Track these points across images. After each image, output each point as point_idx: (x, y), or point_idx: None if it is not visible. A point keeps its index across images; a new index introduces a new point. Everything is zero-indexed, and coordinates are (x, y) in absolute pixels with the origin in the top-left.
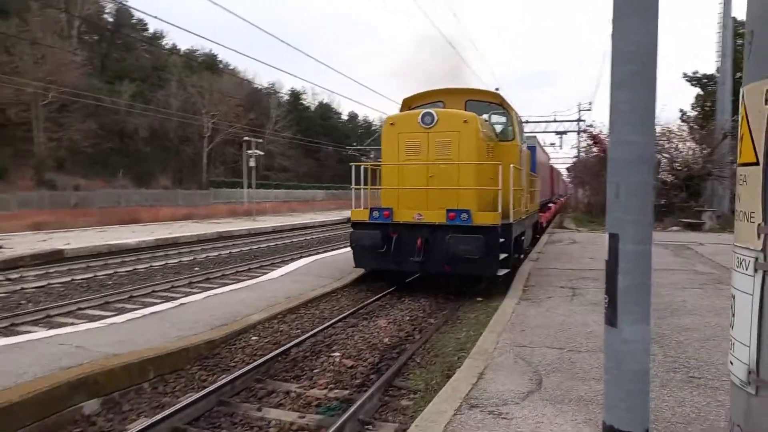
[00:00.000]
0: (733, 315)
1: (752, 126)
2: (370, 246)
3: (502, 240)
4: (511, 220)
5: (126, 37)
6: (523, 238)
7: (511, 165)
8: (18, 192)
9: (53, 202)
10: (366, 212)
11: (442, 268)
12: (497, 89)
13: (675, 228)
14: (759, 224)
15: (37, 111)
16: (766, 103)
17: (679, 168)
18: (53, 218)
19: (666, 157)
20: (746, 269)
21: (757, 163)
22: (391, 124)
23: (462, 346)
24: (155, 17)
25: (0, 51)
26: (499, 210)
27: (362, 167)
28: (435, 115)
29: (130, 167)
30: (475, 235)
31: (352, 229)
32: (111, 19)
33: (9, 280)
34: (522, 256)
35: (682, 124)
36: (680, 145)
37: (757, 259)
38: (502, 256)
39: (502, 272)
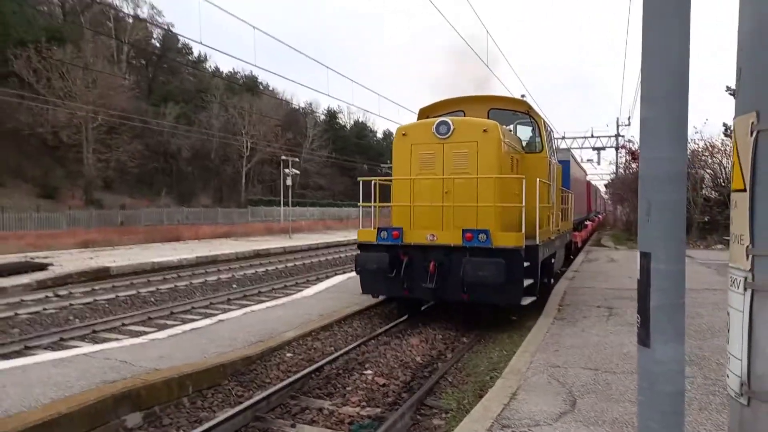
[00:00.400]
0: (728, 331)
1: (741, 155)
2: (377, 270)
3: (526, 264)
4: (537, 242)
5: (171, 61)
6: (553, 260)
7: (537, 179)
8: (68, 211)
9: (101, 221)
10: (373, 233)
11: (459, 295)
12: (523, 96)
13: (719, 246)
14: (747, 246)
15: (88, 133)
16: (750, 135)
17: (724, 184)
18: (101, 236)
19: (709, 173)
20: (738, 288)
21: (744, 190)
22: (403, 134)
23: (495, 365)
24: (200, 43)
25: (56, 76)
26: (523, 230)
27: (372, 182)
28: (451, 123)
29: (173, 186)
30: (495, 258)
31: (358, 251)
32: (158, 44)
33: (58, 296)
34: (552, 281)
35: (726, 138)
36: (724, 161)
37: (746, 278)
38: (527, 282)
39: (526, 301)
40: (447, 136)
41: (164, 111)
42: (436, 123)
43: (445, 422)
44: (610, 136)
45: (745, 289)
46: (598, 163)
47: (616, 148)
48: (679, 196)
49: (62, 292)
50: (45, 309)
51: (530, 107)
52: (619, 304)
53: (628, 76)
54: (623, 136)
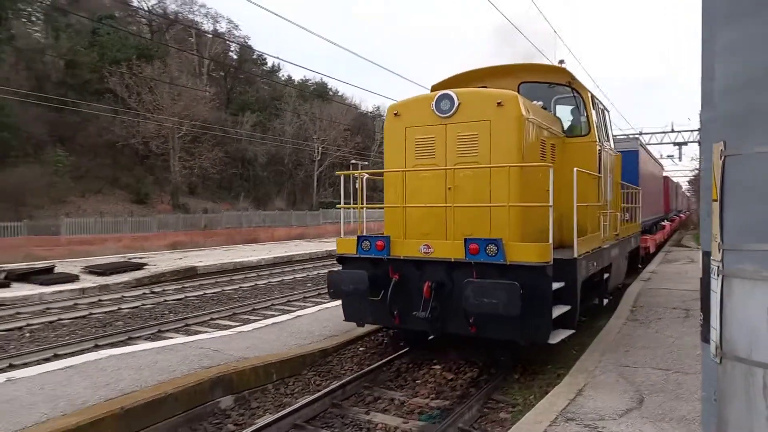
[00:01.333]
0: (710, 309)
1: (715, 174)
2: (354, 292)
3: (558, 285)
4: (575, 254)
5: (247, 72)
6: (607, 275)
7: (575, 169)
8: (157, 215)
9: (187, 224)
10: (354, 242)
11: (465, 328)
12: (562, 62)
13: None
14: (719, 243)
15: (174, 143)
16: (719, 159)
17: None
18: (187, 238)
19: None
20: (714, 275)
21: (717, 200)
22: (395, 114)
23: (563, 364)
24: (276, 57)
25: (145, 91)
26: (550, 239)
27: (361, 176)
28: (455, 98)
29: (250, 191)
30: (507, 280)
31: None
32: (235, 57)
33: (154, 293)
34: (605, 302)
35: None
36: None
37: (718, 267)
38: (560, 310)
39: (558, 338)
40: (450, 114)
41: (242, 120)
42: (436, 98)
43: (511, 416)
44: (692, 131)
45: (718, 275)
46: (680, 158)
47: (700, 143)
48: None
49: (157, 289)
50: (143, 304)
51: (572, 77)
52: (697, 306)
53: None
54: None
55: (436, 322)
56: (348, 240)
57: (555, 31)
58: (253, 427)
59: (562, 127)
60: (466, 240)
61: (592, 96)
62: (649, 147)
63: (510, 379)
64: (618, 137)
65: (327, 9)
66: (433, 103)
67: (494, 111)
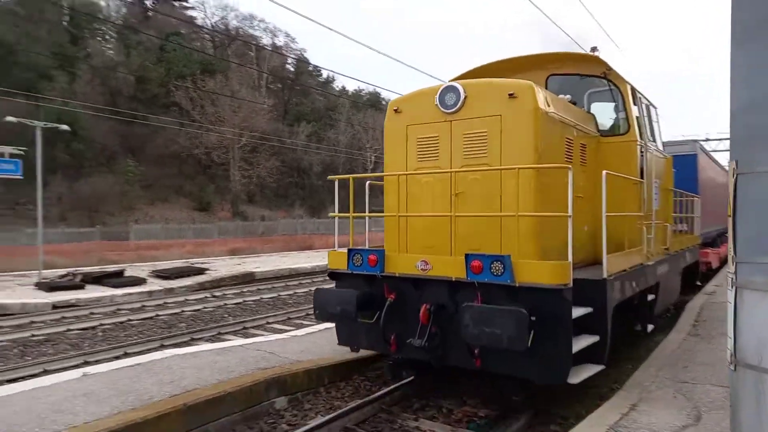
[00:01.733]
0: (727, 319)
1: (729, 190)
2: (341, 315)
3: (580, 311)
4: (605, 274)
5: (303, 84)
6: (651, 297)
7: (604, 172)
8: (218, 222)
9: (245, 231)
10: (345, 256)
11: (469, 360)
12: (594, 50)
13: None
14: (732, 255)
15: (234, 153)
16: (732, 176)
17: None
18: (245, 245)
19: None
20: (730, 286)
21: (731, 216)
22: (395, 110)
23: (617, 378)
24: (331, 71)
25: (208, 104)
26: (569, 257)
27: (366, 182)
28: (461, 90)
29: (305, 199)
30: (513, 306)
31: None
32: (292, 69)
33: (214, 297)
34: (650, 328)
35: None
36: None
37: (732, 279)
38: (585, 342)
39: (581, 376)
40: (456, 109)
41: (297, 130)
42: (440, 91)
43: (561, 428)
44: None
45: (732, 287)
46: None
47: None
48: None
49: (217, 293)
50: (205, 307)
51: (609, 67)
52: None
53: None
54: None
55: (435, 351)
56: (340, 253)
57: (603, 29)
58: (305, 428)
59: (597, 124)
60: (467, 256)
61: (633, 89)
62: (715, 154)
63: (562, 391)
64: (675, 141)
65: (336, 4)
66: (437, 97)
67: (506, 104)
